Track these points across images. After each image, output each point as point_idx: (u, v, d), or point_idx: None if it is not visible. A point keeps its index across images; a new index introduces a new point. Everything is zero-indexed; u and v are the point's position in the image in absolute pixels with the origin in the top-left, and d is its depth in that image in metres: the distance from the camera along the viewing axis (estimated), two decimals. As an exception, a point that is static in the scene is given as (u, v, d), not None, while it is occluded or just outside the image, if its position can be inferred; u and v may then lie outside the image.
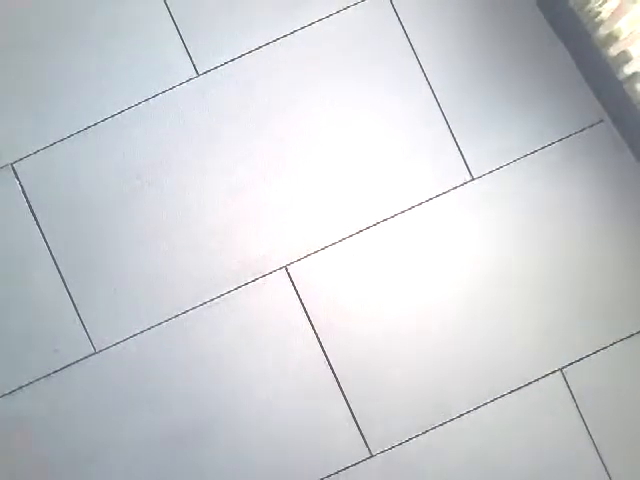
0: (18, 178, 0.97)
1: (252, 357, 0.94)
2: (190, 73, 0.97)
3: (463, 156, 0.96)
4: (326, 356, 0.93)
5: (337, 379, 0.93)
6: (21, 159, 0.97)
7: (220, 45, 0.97)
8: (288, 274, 0.94)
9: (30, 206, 0.97)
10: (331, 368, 0.93)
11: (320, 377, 0.93)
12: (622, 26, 0.89)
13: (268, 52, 0.98)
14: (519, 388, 0.93)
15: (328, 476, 0.92)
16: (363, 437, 0.92)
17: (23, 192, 0.97)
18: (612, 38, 0.90)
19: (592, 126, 0.97)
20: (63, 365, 0.94)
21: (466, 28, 0.99)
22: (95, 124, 0.98)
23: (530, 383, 0.93)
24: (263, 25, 0.98)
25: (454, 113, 0.97)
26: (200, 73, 0.97)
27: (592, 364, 0.93)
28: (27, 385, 0.94)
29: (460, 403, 0.93)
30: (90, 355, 0.94)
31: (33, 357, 0.94)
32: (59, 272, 0.95)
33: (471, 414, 0.92)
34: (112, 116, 0.98)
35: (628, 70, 0.90)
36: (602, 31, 0.91)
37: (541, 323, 0.94)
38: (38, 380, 0.94)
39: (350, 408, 0.92)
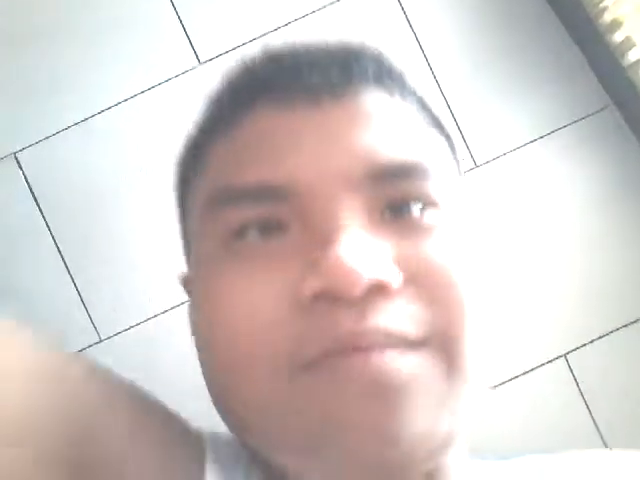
0: (21, 168, 0.97)
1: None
2: (192, 62, 0.97)
3: (466, 143, 0.96)
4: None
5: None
6: (24, 149, 0.97)
7: (222, 33, 0.97)
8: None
9: (33, 195, 0.97)
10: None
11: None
12: (626, 12, 0.89)
13: (270, 41, 0.97)
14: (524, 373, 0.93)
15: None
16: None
17: (26, 181, 0.97)
18: (616, 24, 0.90)
19: (596, 112, 0.96)
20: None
21: (469, 14, 0.98)
22: (97, 113, 0.97)
23: (534, 369, 0.93)
24: (267, 13, 0.98)
25: (457, 101, 0.97)
26: (202, 62, 0.97)
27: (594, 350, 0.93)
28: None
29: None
30: (95, 343, 0.95)
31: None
32: (63, 261, 0.96)
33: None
34: (114, 106, 0.97)
35: (633, 56, 0.89)
36: (606, 17, 0.90)
37: (544, 309, 0.94)
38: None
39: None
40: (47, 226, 0.96)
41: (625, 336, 0.93)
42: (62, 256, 0.96)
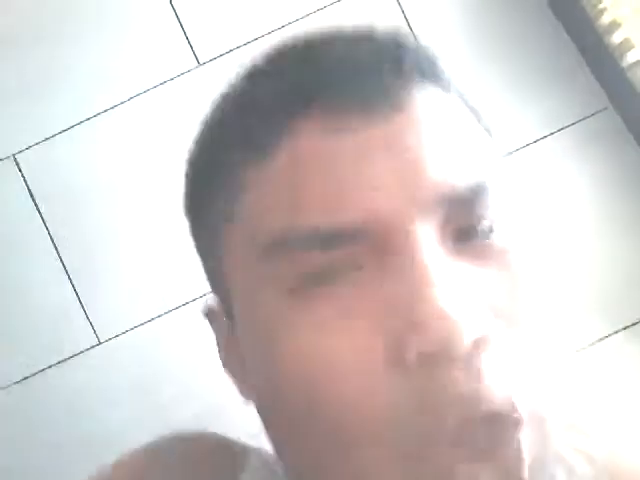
0: (20, 169, 0.97)
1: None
2: (191, 63, 0.97)
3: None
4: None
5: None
6: (23, 150, 0.97)
7: (221, 34, 0.97)
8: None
9: (32, 197, 0.96)
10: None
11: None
12: (625, 13, 0.89)
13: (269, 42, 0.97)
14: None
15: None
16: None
17: (25, 183, 0.97)
18: (615, 25, 0.90)
19: (595, 114, 0.96)
20: (67, 356, 0.95)
21: (467, 15, 0.98)
22: (96, 115, 0.97)
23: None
24: (266, 14, 0.98)
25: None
26: (201, 63, 0.96)
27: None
28: (32, 376, 0.94)
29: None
30: (94, 346, 0.95)
31: (37, 348, 0.95)
32: (62, 262, 0.95)
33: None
34: (113, 107, 0.97)
35: (631, 57, 0.89)
36: (605, 18, 0.90)
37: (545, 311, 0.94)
38: (42, 371, 0.94)
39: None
40: (46, 228, 0.96)
41: (626, 338, 0.93)
42: (61, 258, 0.96)
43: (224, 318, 0.33)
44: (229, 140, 0.29)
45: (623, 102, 0.94)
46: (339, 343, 0.24)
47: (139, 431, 0.94)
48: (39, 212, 0.96)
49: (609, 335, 0.93)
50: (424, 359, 0.23)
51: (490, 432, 0.23)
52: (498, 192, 0.28)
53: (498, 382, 0.23)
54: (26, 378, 0.94)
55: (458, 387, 0.23)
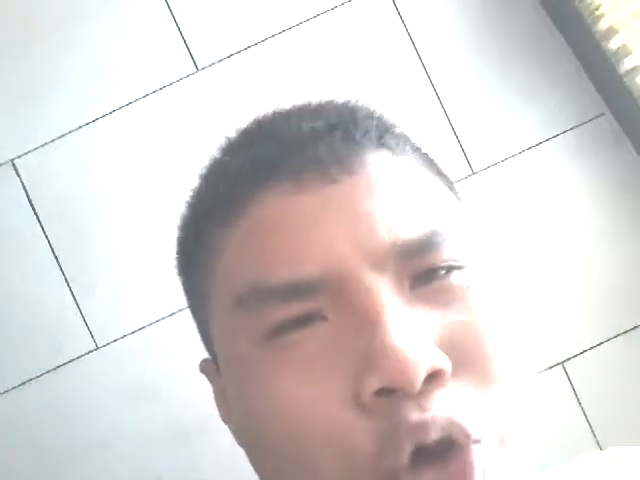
0: (18, 174, 0.97)
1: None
2: (190, 69, 0.97)
3: (464, 151, 0.96)
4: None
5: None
6: (21, 155, 0.97)
7: (220, 40, 0.97)
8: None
9: (31, 202, 0.96)
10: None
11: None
12: (623, 19, 0.89)
13: (267, 47, 0.97)
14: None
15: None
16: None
17: (23, 188, 0.97)
18: (613, 31, 0.90)
19: (592, 119, 0.96)
20: (64, 361, 0.94)
21: (466, 21, 0.98)
22: (95, 120, 0.97)
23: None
24: (264, 19, 0.98)
25: (454, 108, 0.97)
26: (200, 68, 0.97)
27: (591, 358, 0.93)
28: (29, 381, 0.94)
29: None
30: (92, 351, 0.94)
31: (34, 353, 0.94)
32: (60, 267, 0.95)
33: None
34: (111, 112, 0.97)
35: (629, 63, 0.89)
36: (603, 24, 0.91)
37: (541, 317, 0.94)
38: (39, 377, 0.94)
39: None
40: (44, 232, 0.96)
41: (623, 344, 0.93)
42: (59, 262, 0.95)
43: (216, 372, 0.36)
44: (206, 208, 0.33)
45: (620, 108, 0.94)
46: (302, 391, 0.26)
47: (137, 437, 0.94)
48: (37, 217, 0.96)
49: (607, 340, 0.93)
50: (378, 397, 0.25)
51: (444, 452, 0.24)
52: (457, 232, 0.30)
53: (448, 411, 0.25)
54: (24, 383, 0.94)
55: (410, 419, 0.24)
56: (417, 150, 0.34)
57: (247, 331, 0.28)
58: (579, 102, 0.97)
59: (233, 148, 0.34)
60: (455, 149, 0.96)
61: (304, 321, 0.27)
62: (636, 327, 0.93)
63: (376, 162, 0.30)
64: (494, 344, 0.27)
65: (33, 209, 0.96)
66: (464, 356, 0.26)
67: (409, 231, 0.28)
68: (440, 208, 0.30)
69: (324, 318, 0.27)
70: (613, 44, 0.90)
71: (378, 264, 0.27)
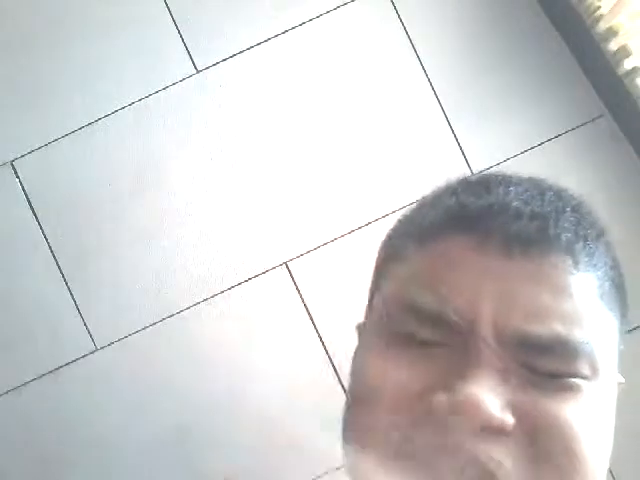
0: (18, 176, 0.97)
1: (253, 354, 0.94)
2: (189, 70, 0.97)
3: (463, 152, 0.96)
4: (326, 351, 0.93)
5: (338, 376, 0.93)
6: (20, 157, 0.97)
7: (219, 41, 0.97)
8: (289, 270, 0.94)
9: (30, 203, 0.96)
10: (332, 364, 0.93)
11: (321, 375, 0.93)
12: (622, 20, 0.89)
13: (267, 49, 0.97)
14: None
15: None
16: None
17: (23, 189, 0.97)
18: (612, 33, 0.90)
19: (592, 121, 0.96)
20: (64, 362, 0.94)
21: (465, 22, 0.99)
22: (94, 121, 0.98)
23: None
24: (263, 21, 0.98)
25: (453, 109, 0.97)
26: (199, 70, 0.97)
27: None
28: (29, 382, 0.94)
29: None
30: (90, 352, 0.94)
31: (34, 354, 0.94)
32: (59, 269, 0.95)
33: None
34: (111, 113, 0.98)
35: (628, 65, 0.90)
36: (602, 25, 0.91)
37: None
38: (39, 377, 0.94)
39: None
40: (43, 233, 0.96)
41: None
42: (58, 264, 0.95)
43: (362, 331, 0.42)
44: (417, 223, 0.38)
45: (620, 109, 0.95)
46: (391, 373, 0.32)
47: (137, 437, 0.94)
48: (36, 218, 0.96)
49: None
50: (444, 411, 0.29)
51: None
52: (597, 356, 0.32)
53: (491, 452, 0.29)
54: (23, 384, 0.94)
55: (457, 435, 0.29)
56: (607, 269, 0.36)
57: (387, 322, 0.34)
58: (578, 103, 0.97)
59: (463, 189, 0.37)
60: (454, 150, 0.96)
61: (422, 342, 0.32)
62: (637, 327, 0.93)
63: (553, 263, 0.32)
64: (575, 447, 0.30)
65: (32, 210, 0.96)
66: (534, 433, 0.29)
67: (542, 329, 0.30)
68: (591, 328, 0.32)
69: (439, 345, 0.32)
70: (612, 46, 0.90)
71: (504, 338, 0.30)
